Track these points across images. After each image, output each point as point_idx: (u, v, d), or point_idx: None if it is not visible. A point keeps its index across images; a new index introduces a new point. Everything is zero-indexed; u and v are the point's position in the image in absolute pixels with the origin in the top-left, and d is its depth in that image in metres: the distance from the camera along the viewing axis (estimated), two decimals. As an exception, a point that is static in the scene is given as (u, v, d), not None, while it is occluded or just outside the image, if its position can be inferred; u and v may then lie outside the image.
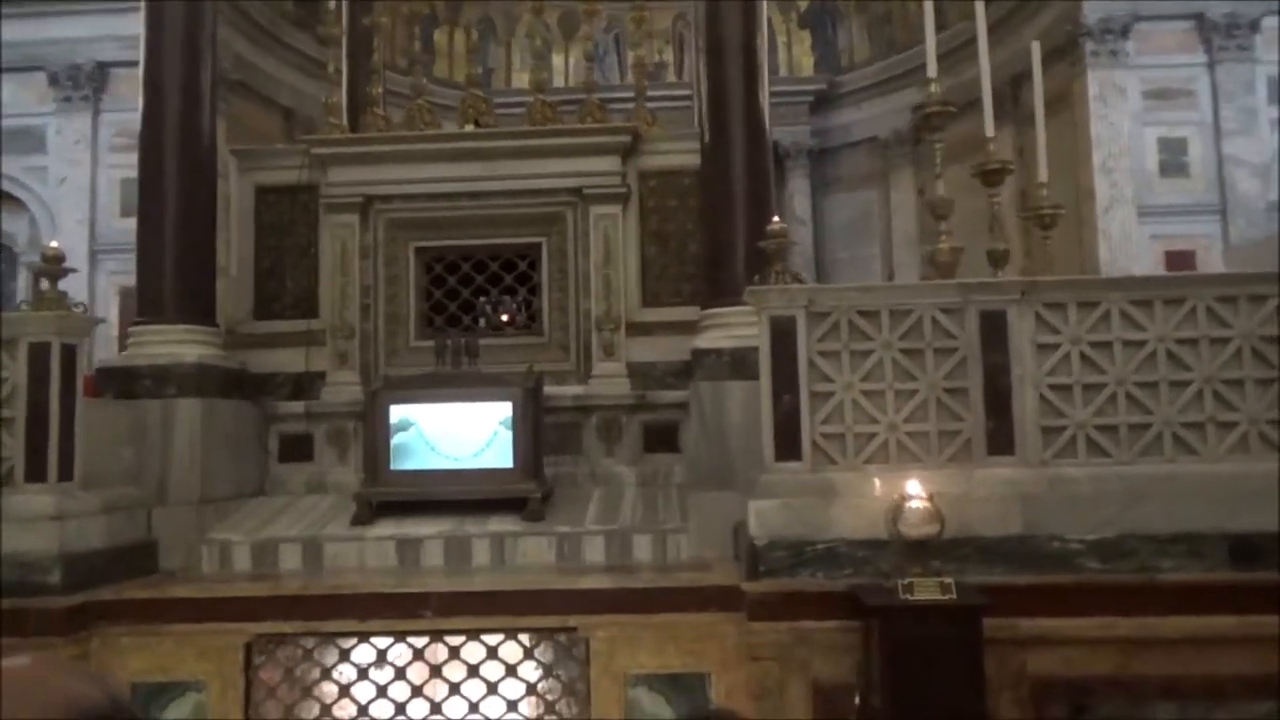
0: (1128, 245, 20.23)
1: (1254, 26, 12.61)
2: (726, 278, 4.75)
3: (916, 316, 3.84)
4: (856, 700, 3.50)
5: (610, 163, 5.28)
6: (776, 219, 4.04)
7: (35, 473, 3.95)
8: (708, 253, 4.97)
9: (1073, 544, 3.64)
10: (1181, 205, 21.86)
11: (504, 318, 5.66)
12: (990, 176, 4.38)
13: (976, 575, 3.55)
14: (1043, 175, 4.68)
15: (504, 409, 4.68)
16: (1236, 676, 3.52)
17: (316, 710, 3.99)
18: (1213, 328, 3.76)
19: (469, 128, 5.49)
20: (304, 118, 10.27)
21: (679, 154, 5.33)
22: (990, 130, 4.40)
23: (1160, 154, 22.08)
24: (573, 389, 5.13)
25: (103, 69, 9.82)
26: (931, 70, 4.13)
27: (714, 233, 4.90)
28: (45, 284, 4.15)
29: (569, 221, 5.31)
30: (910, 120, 13.77)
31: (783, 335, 3.86)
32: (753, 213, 4.75)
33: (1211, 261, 20.55)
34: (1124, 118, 20.07)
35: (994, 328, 3.80)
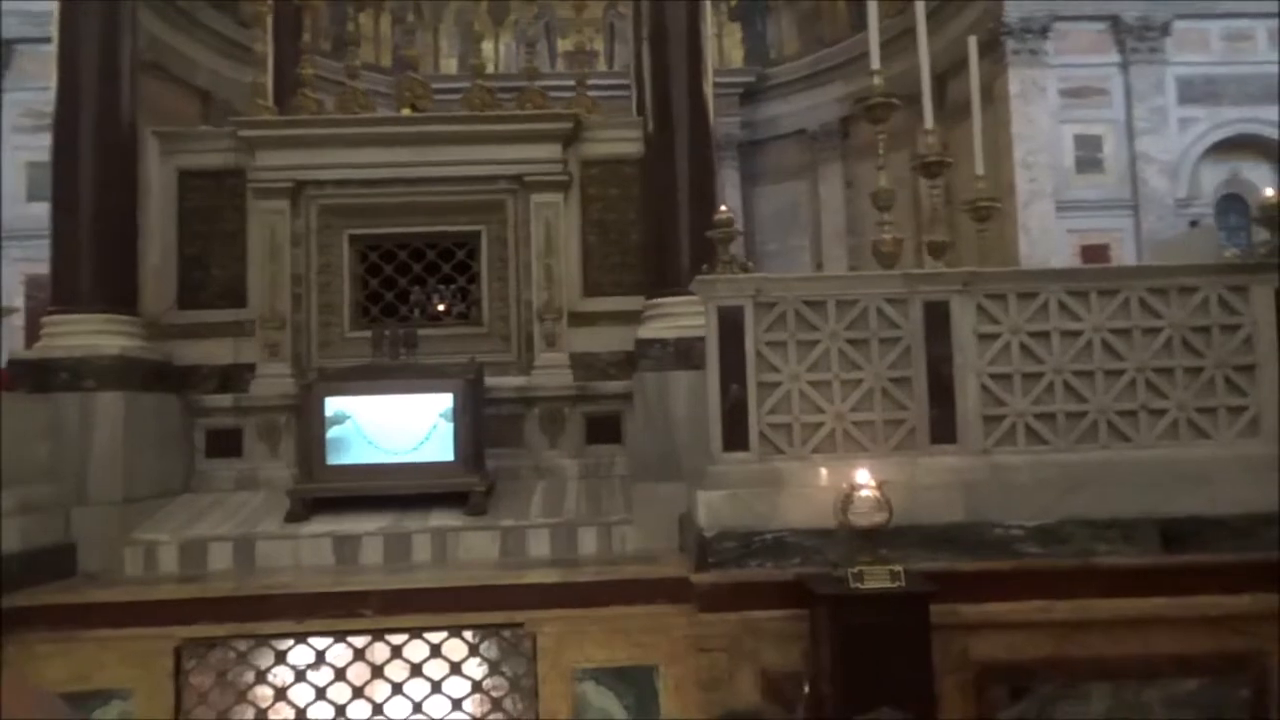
0: (1047, 239, 20.86)
1: (1165, 29, 13.10)
2: (670, 267, 4.71)
3: (862, 307, 3.86)
4: (805, 688, 3.51)
5: (551, 150, 5.19)
6: (725, 207, 4.02)
7: (-56, 472, 3.71)
8: (652, 242, 4.92)
9: (1013, 530, 3.71)
10: (1096, 200, 22.64)
11: (440, 307, 5.52)
12: (930, 168, 4.43)
13: (920, 562, 3.59)
14: (979, 168, 4.75)
15: (444, 401, 4.57)
16: (1169, 655, 3.64)
17: (251, 715, 3.84)
18: (1145, 318, 3.86)
19: (405, 112, 5.34)
20: (222, 101, 9.92)
21: (621, 142, 5.27)
22: (929, 122, 4.45)
23: (1077, 150, 22.82)
24: (514, 380, 5.04)
25: (8, 46, 9.32)
26: (875, 62, 4.15)
27: (658, 222, 4.86)
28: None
29: (509, 209, 5.21)
30: (842, 113, 14.01)
31: (730, 325, 3.84)
32: (697, 202, 4.72)
33: (1124, 255, 21.35)
34: (1043, 115, 20.63)
35: (937, 318, 3.85)
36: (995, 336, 3.86)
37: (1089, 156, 23.13)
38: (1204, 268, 3.88)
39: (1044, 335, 3.87)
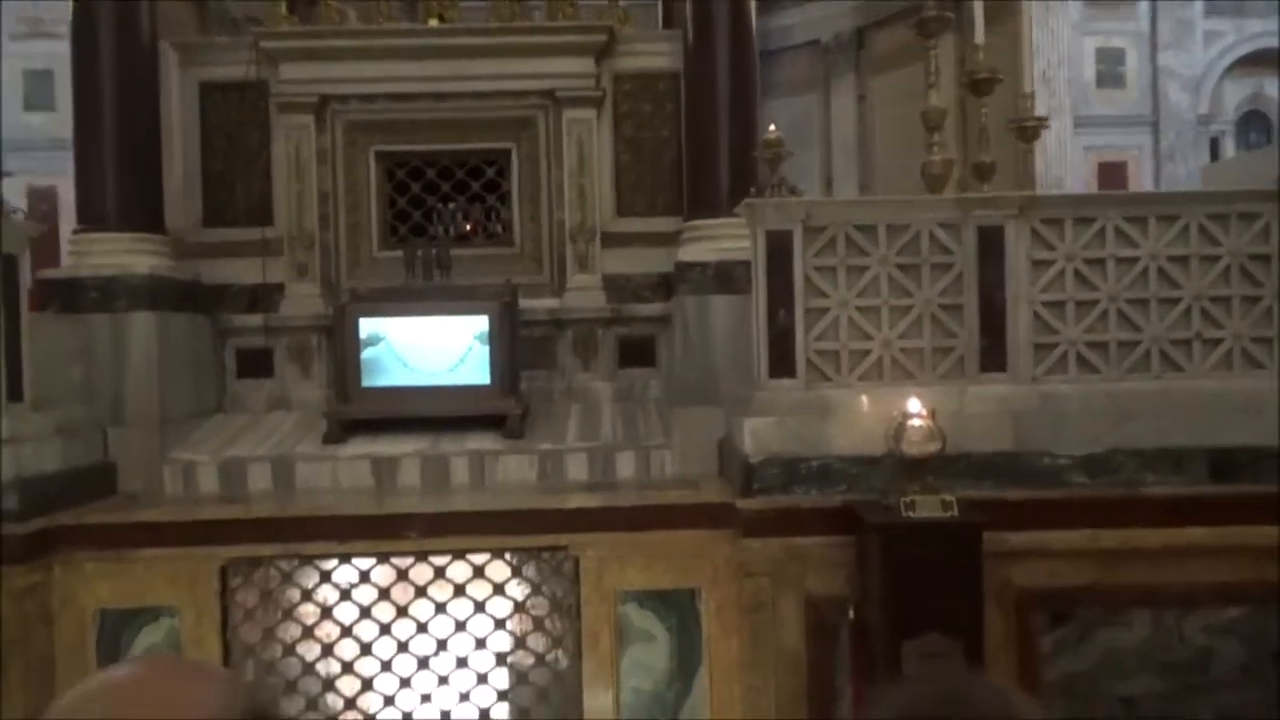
0: (1063, 157, 20.48)
1: (1197, -64, 12.58)
2: (709, 188, 4.60)
3: (914, 232, 3.77)
4: (850, 613, 3.54)
5: (584, 64, 5.01)
6: (773, 126, 3.88)
7: (-19, 393, 3.67)
8: (690, 161, 4.79)
9: (1061, 460, 3.69)
10: (1115, 117, 22.15)
11: (469, 227, 5.42)
12: (979, 86, 4.28)
13: (967, 490, 3.57)
14: (1027, 84, 4.60)
15: (480, 323, 4.51)
16: (1210, 584, 3.65)
17: (298, 632, 3.89)
18: (1203, 245, 3.77)
19: (432, 23, 5.13)
20: (217, 8, 9.53)
21: (655, 56, 5.09)
22: (980, 37, 4.29)
23: (1098, 64, 22.22)
24: (546, 302, 4.97)
25: (3, -52, 8.97)
26: (929, -28, 3.96)
27: (696, 140, 4.72)
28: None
29: (540, 127, 5.05)
30: (857, 23, 13.57)
31: (778, 250, 3.76)
32: (738, 119, 4.58)
33: (1142, 174, 21.00)
34: (1064, 26, 20.00)
35: (991, 243, 3.76)
36: (1049, 263, 3.78)
37: (1110, 71, 22.61)
38: (1266, 194, 3.76)
39: (1099, 262, 3.78)
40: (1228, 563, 3.62)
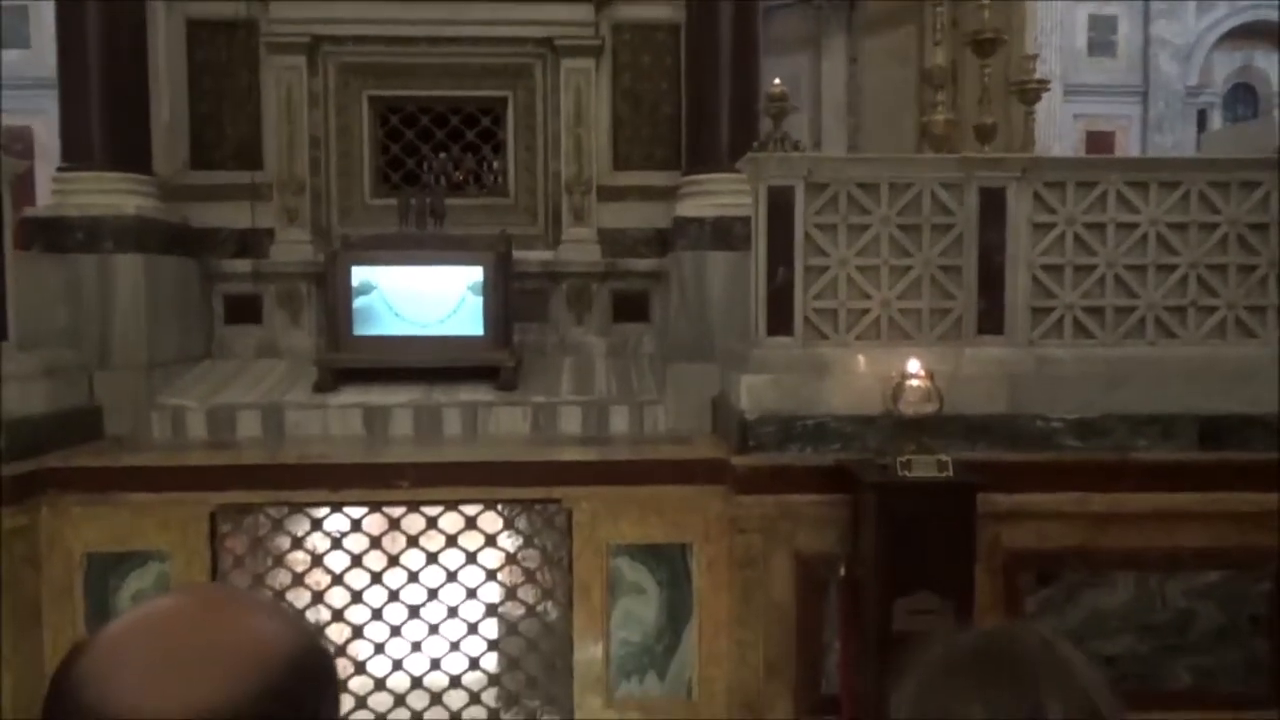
0: (1051, 124, 20.41)
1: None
2: (710, 142, 4.55)
3: (916, 191, 3.75)
4: (841, 571, 3.57)
5: (584, 11, 4.92)
6: (778, 80, 3.83)
7: (-34, 332, 3.60)
8: (690, 115, 4.73)
9: (1054, 423, 3.71)
10: (1105, 85, 22.08)
11: (459, 176, 5.33)
12: (983, 46, 4.23)
13: (960, 451, 3.58)
14: (1029, 47, 4.55)
15: (474, 274, 4.46)
16: (1193, 549, 3.71)
17: (288, 579, 3.88)
18: (1203, 213, 3.78)
19: (429, -37, 5.01)
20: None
21: (655, 5, 4.99)
22: (986, -3, 4.23)
23: (1090, 31, 22.10)
24: (540, 254, 4.92)
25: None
26: (942, -73, 3.90)
27: (697, 93, 4.65)
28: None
29: (537, 75, 4.97)
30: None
31: (779, 206, 3.73)
32: (739, 73, 4.52)
33: (1130, 144, 20.98)
34: (1057, -8, 19.62)
35: (993, 205, 3.75)
36: (1050, 226, 3.78)
37: (1102, 39, 22.52)
38: (1268, 161, 3.76)
39: (1099, 227, 3.78)
40: (1212, 528, 3.68)
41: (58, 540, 3.73)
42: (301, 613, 3.74)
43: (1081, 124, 20.41)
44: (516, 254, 4.73)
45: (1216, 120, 21.19)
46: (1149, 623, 3.73)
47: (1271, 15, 21.03)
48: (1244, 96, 22.06)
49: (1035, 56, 4.66)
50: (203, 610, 0.76)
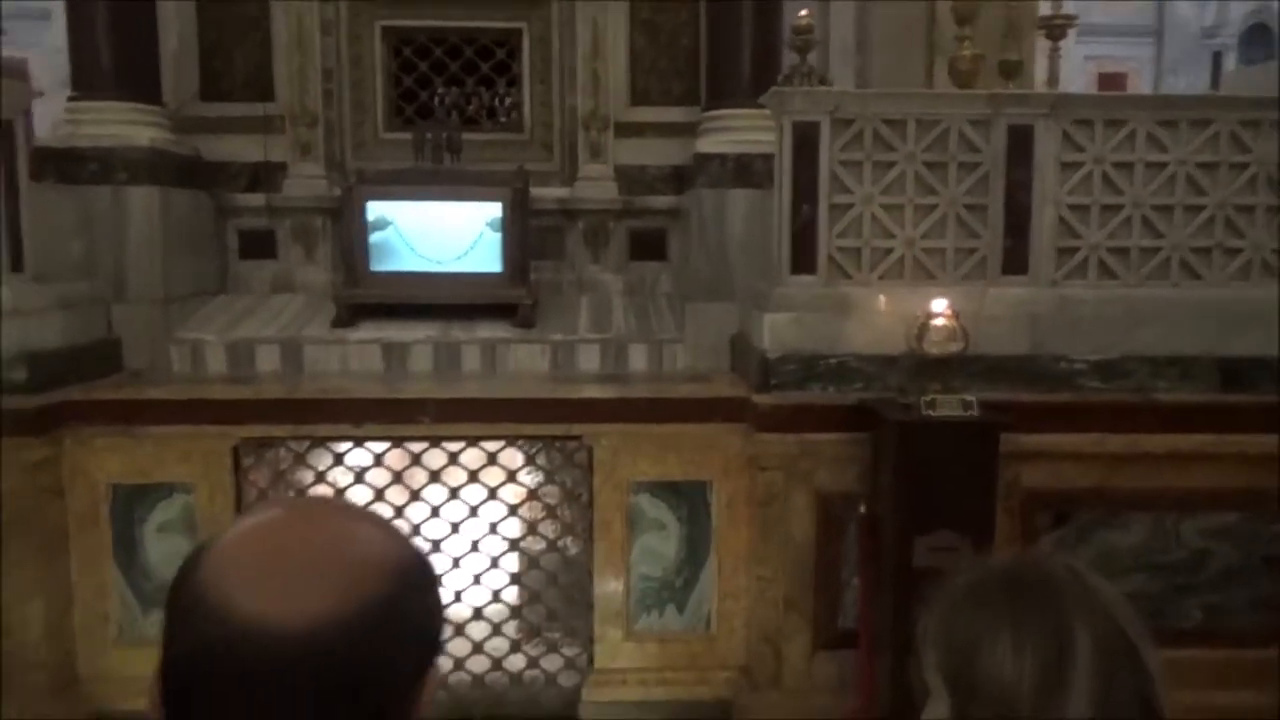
0: (1062, 66, 20.09)
1: None
2: (731, 77, 4.46)
3: (944, 128, 3.69)
4: (861, 508, 3.60)
5: (602, -60, 4.79)
6: (805, 11, 3.75)
7: (-18, 265, 3.57)
8: (710, 49, 4.63)
9: (1076, 364, 3.72)
10: (1118, 25, 21.63)
11: (472, 110, 5.24)
12: (1011, -20, 4.15)
13: (981, 392, 3.59)
14: (1056, -18, 4.45)
15: (492, 210, 4.42)
16: (1208, 490, 3.74)
17: (310, 513, 3.91)
18: (1233, 153, 3.73)
19: (442, -112, 4.86)
20: None
21: (676, -67, 4.86)
22: (1017, -72, 4.13)
23: (1103, -33, 21.54)
24: (556, 191, 4.86)
25: None
26: None
27: (717, 25, 4.55)
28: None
29: (553, 5, 4.85)
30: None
31: (804, 142, 3.68)
32: (762, 5, 4.41)
33: (1141, 86, 20.67)
34: (1071, -74, 19.11)
35: (1020, 142, 3.70)
36: (1078, 165, 3.73)
37: (1115, -25, 21.97)
38: (1305, 99, 3.71)
39: (1127, 166, 3.74)
40: (1228, 469, 3.71)
41: (81, 471, 3.76)
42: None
43: (1093, 65, 20.07)
44: (532, 191, 4.67)
45: (1231, 63, 20.84)
46: (1162, 562, 3.78)
47: (1291, -47, 20.57)
48: (1259, 38, 21.65)
49: (1063, -8, 4.56)
50: (314, 521, 0.77)
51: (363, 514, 0.84)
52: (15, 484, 3.55)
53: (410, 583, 0.75)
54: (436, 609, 0.79)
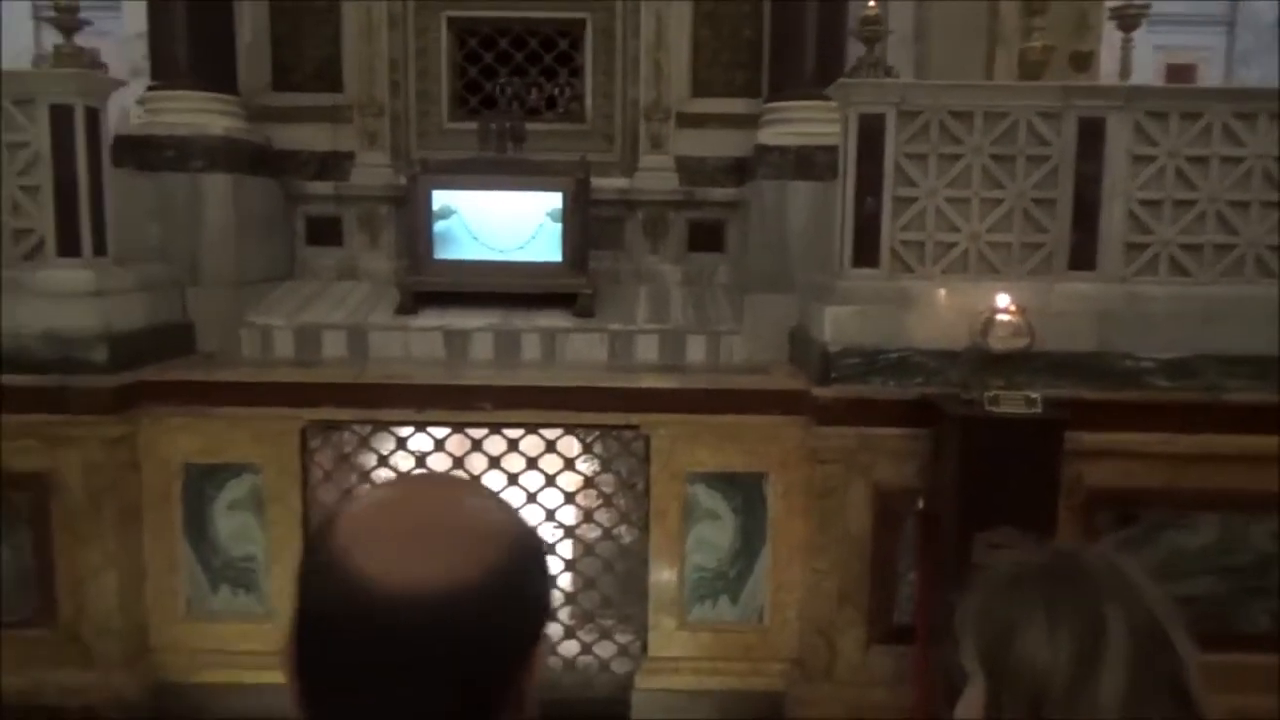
0: (1130, 54, 19.56)
1: None
2: (794, 69, 4.44)
3: (1012, 120, 3.64)
4: (920, 504, 3.58)
5: (666, -69, 4.79)
6: (873, 1, 3.72)
7: (68, 247, 3.71)
8: (774, 40, 4.62)
9: (1144, 362, 3.65)
10: (1189, 15, 20.99)
11: (533, 100, 5.28)
12: (1086, -30, 4.07)
13: (1045, 389, 3.55)
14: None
15: (553, 200, 4.46)
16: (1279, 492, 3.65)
17: (374, 495, 4.00)
18: (1315, 148, 3.63)
19: (509, -119, 4.90)
20: None
21: (740, -76, 4.85)
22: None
23: (1176, -43, 20.91)
24: (617, 181, 4.89)
25: None
26: None
27: (782, 17, 4.53)
28: (60, 38, 3.74)
29: (617, -3, 4.88)
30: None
31: (870, 134, 3.65)
32: (826, -5, 4.38)
33: (1212, 78, 20.05)
34: (1142, -88, 18.58)
35: (1091, 135, 3.63)
36: (1151, 159, 3.66)
37: (1188, -36, 21.35)
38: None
39: (1202, 160, 3.65)
40: (1302, 472, 3.61)
41: (155, 449, 3.88)
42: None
43: (1162, 56, 19.47)
44: (593, 181, 4.71)
45: (1307, 53, 20.13)
46: (1230, 565, 3.70)
47: (1373, -59, 19.78)
48: (1337, 29, 20.90)
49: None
50: (439, 494, 0.81)
51: (480, 489, 0.88)
52: (94, 460, 3.69)
53: (526, 553, 0.78)
54: (547, 578, 0.83)
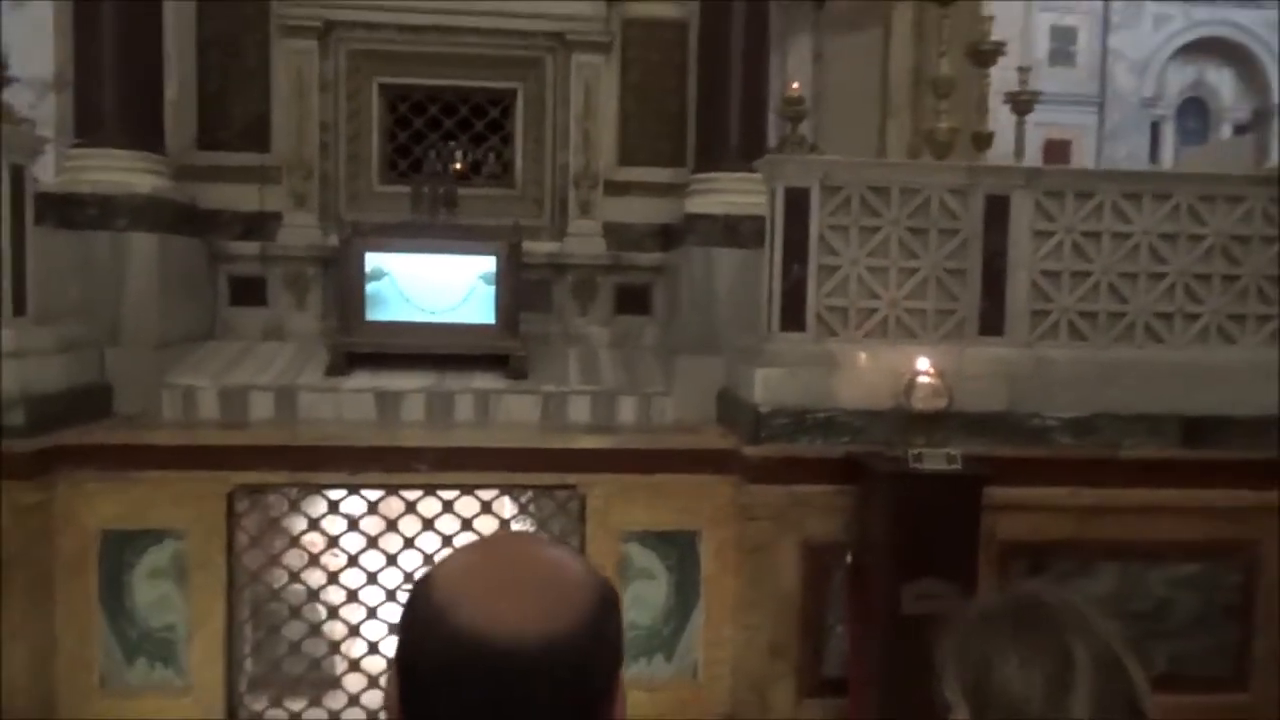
0: (1010, 132, 20.87)
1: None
2: (719, 141, 4.66)
3: (925, 196, 3.91)
4: (848, 557, 3.73)
5: (595, 7, 4.99)
6: (795, 85, 3.97)
7: (-13, 306, 3.59)
8: (700, 112, 4.84)
9: (1049, 421, 3.91)
10: (1064, 95, 22.59)
11: (457, 165, 5.37)
12: (983, 57, 4.41)
13: (960, 446, 3.76)
14: (1023, 58, 4.74)
15: (485, 263, 4.53)
16: (1172, 541, 3.93)
17: (304, 560, 3.93)
18: (1192, 225, 3.99)
19: (442, -46, 5.04)
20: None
21: (665, 3, 5.10)
22: (988, 9, 4.42)
23: (1051, 41, 22.61)
24: (546, 245, 5.00)
25: None
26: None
27: (708, 91, 4.76)
28: (-15, 94, 3.67)
29: (548, 68, 5.04)
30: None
31: (796, 207, 3.86)
32: (751, 72, 4.62)
33: (1085, 153, 21.52)
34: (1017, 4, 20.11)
35: (997, 211, 3.92)
36: (1050, 234, 3.96)
37: (1062, 49, 23.06)
38: (1257, 178, 3.99)
39: (1095, 235, 3.98)
40: (1189, 521, 3.91)
41: (73, 516, 3.74)
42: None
43: (1041, 132, 20.87)
44: (523, 245, 4.80)
45: (1169, 132, 21.87)
46: (1131, 610, 3.94)
47: (1222, 31, 21.75)
48: (1195, 110, 22.80)
49: (1028, 69, 4.86)
50: (523, 549, 0.89)
51: (559, 544, 0.96)
52: (6, 527, 3.53)
53: (607, 602, 0.86)
54: (621, 618, 0.91)
